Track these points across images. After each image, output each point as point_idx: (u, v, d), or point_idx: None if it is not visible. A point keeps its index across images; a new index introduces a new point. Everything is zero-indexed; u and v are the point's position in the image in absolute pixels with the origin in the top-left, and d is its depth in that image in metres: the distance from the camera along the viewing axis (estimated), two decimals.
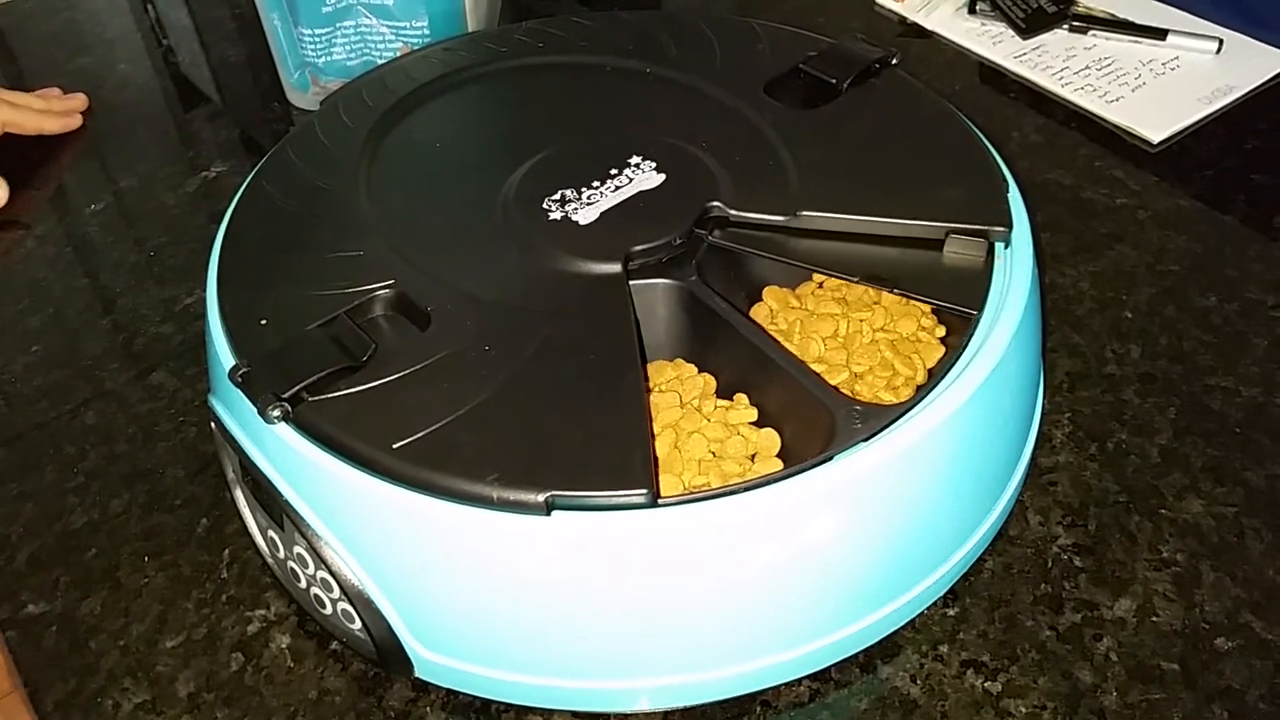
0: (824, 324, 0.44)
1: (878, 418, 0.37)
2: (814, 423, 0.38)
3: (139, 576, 0.46)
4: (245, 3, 0.81)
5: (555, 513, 0.35)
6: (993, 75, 0.71)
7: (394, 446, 0.36)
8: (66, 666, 0.43)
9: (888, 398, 0.41)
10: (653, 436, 0.37)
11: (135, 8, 0.87)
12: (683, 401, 0.42)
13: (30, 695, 0.42)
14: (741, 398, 0.42)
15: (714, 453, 0.40)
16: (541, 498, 0.34)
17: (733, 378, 0.43)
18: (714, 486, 0.36)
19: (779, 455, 0.40)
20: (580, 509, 0.35)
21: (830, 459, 0.36)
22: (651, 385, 0.42)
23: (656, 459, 0.36)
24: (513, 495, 0.34)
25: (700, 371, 0.43)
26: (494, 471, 0.35)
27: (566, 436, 0.36)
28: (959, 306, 0.41)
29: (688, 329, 0.44)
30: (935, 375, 0.39)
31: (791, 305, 0.45)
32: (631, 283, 0.43)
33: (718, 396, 0.43)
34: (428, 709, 0.40)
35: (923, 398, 0.38)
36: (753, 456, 0.40)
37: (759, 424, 0.41)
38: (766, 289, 0.46)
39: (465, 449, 0.36)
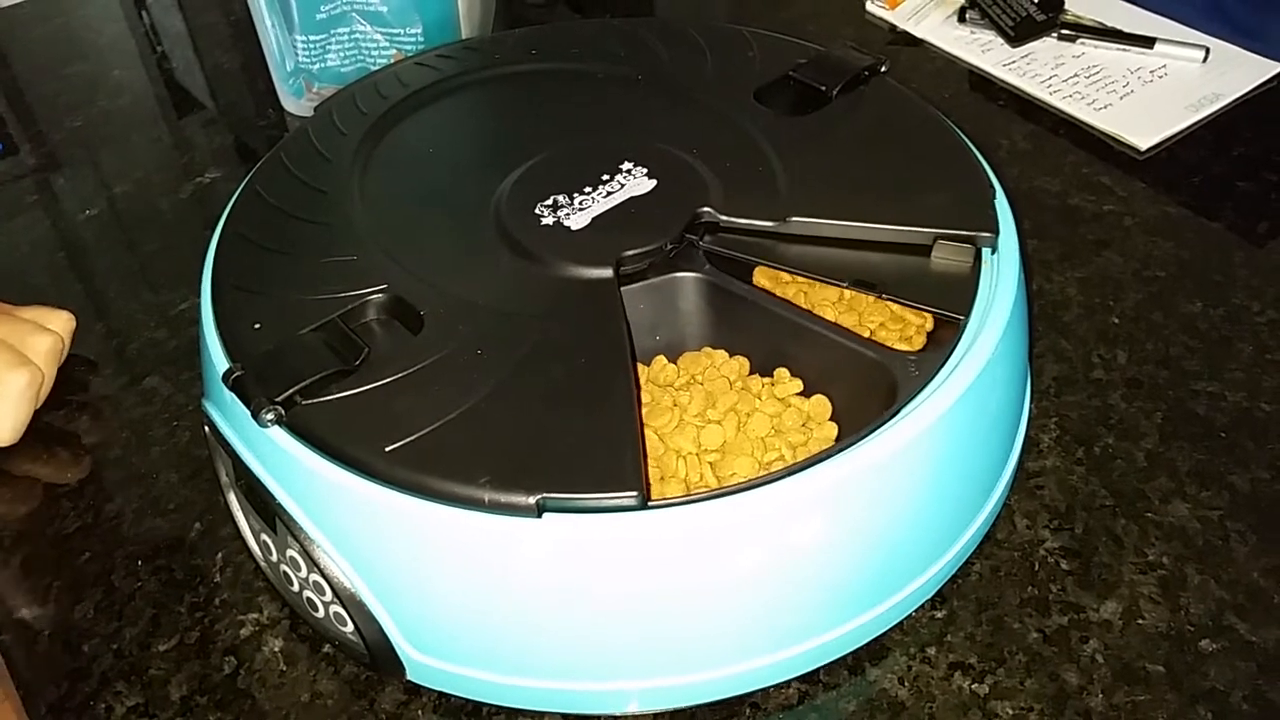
0: (829, 290, 0.45)
1: (931, 362, 0.39)
2: (861, 381, 0.40)
3: (132, 580, 0.46)
4: (240, 9, 0.81)
5: (546, 515, 0.35)
6: (982, 83, 0.72)
7: (386, 449, 0.36)
8: (59, 670, 0.43)
9: (904, 349, 0.42)
10: (644, 439, 0.37)
11: (130, 14, 0.87)
12: (730, 385, 0.43)
13: (23, 699, 0.42)
14: (782, 372, 0.43)
15: (775, 428, 0.41)
16: (533, 500, 0.35)
17: (764, 356, 0.44)
18: (788, 463, 0.38)
19: (832, 419, 0.42)
20: (571, 511, 0.35)
21: (825, 457, 0.36)
22: (690, 375, 0.44)
23: (647, 461, 0.37)
24: (504, 498, 0.35)
25: (731, 356, 0.45)
26: (485, 474, 0.35)
27: (558, 439, 0.37)
28: (946, 312, 0.42)
29: (710, 317, 0.45)
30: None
31: (784, 280, 0.46)
32: (649, 280, 0.44)
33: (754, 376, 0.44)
34: (419, 712, 0.41)
35: (911, 400, 0.38)
36: (803, 425, 0.42)
37: (804, 394, 0.43)
38: (757, 269, 0.46)
39: (457, 452, 0.36)
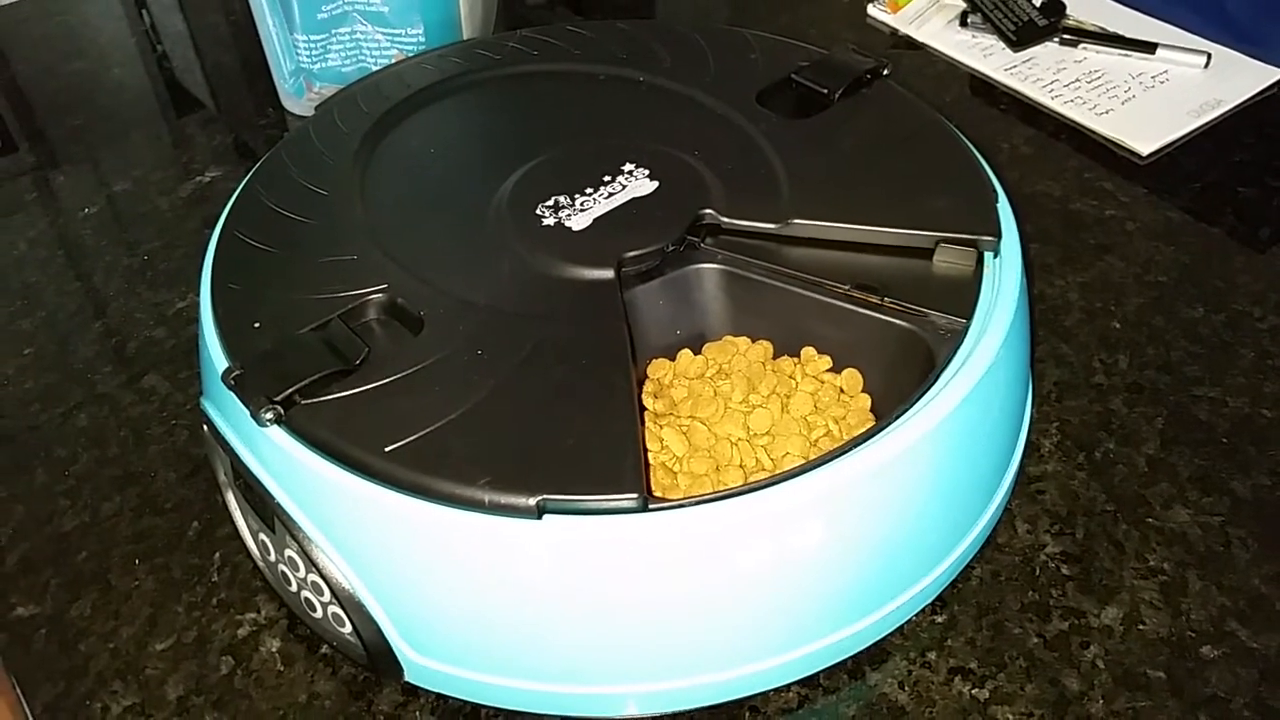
0: None
1: (958, 326, 0.40)
2: (891, 350, 0.41)
3: (129, 579, 0.46)
4: (240, 8, 0.81)
5: (547, 516, 0.35)
6: (983, 87, 0.72)
7: (386, 450, 0.36)
8: (55, 669, 0.43)
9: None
10: (644, 441, 0.37)
11: (130, 13, 0.87)
12: (765, 368, 0.44)
13: (19, 698, 0.42)
14: (809, 350, 0.44)
15: (816, 406, 0.42)
16: (533, 501, 0.34)
17: (785, 337, 0.45)
18: (835, 438, 0.40)
19: (864, 390, 0.44)
20: (572, 513, 0.35)
21: (811, 468, 0.36)
22: (718, 365, 0.44)
23: (648, 463, 0.37)
24: (504, 499, 0.35)
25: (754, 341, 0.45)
26: (486, 475, 0.35)
27: (558, 440, 0.36)
28: (948, 315, 0.41)
29: (728, 306, 0.45)
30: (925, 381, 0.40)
31: None
32: (665, 275, 0.44)
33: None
34: (417, 713, 0.40)
35: (915, 402, 0.38)
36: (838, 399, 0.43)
37: (832, 370, 0.44)
38: None
39: (457, 453, 0.36)
